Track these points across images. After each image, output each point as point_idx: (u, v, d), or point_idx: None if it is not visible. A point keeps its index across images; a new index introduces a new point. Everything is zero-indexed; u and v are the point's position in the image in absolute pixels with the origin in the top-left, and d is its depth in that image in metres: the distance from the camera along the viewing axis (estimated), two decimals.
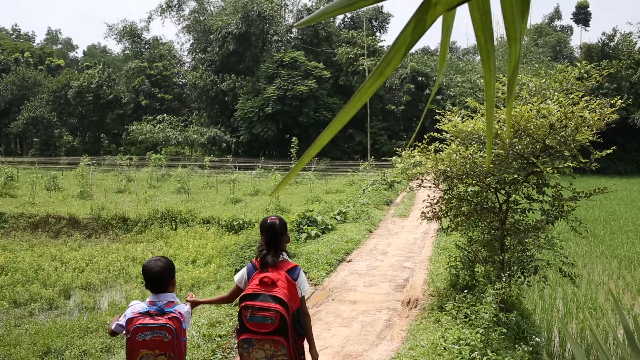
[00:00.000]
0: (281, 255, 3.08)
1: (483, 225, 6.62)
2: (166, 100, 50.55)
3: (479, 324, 5.04)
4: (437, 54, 10.30)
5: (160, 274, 2.94)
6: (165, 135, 43.00)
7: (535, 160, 5.61)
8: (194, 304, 3.31)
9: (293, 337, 2.94)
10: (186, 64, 57.79)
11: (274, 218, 3.18)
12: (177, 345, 2.77)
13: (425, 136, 6.63)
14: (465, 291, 6.03)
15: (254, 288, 2.95)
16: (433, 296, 7.04)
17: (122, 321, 2.87)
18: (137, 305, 2.89)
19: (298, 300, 3.02)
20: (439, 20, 0.61)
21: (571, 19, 65.82)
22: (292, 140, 30.83)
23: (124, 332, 2.83)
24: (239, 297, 3.06)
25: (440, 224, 7.21)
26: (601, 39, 42.55)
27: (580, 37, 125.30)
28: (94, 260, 11.60)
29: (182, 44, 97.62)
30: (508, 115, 0.78)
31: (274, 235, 3.09)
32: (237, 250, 11.10)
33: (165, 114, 46.30)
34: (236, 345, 3.04)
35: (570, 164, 5.74)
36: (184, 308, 2.92)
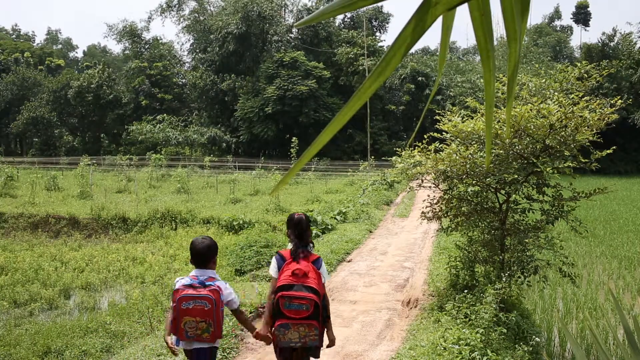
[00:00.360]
0: (308, 247, 3.54)
1: (483, 225, 6.62)
2: (166, 100, 50.54)
3: (479, 324, 5.03)
4: (437, 54, 10.30)
5: (204, 250, 3.34)
6: (165, 135, 42.99)
7: (535, 160, 5.61)
8: (265, 335, 3.51)
9: (322, 320, 3.42)
10: (186, 64, 57.84)
11: (301, 214, 3.68)
12: (216, 314, 3.18)
13: (425, 136, 6.62)
14: (465, 291, 6.02)
15: (287, 279, 3.37)
16: (433, 296, 7.04)
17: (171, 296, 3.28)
18: (183, 280, 3.29)
19: (323, 287, 3.44)
20: (439, 20, 0.61)
21: (571, 19, 65.89)
22: (292, 140, 30.83)
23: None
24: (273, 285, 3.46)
25: (440, 224, 7.21)
26: (601, 39, 42.58)
27: (580, 37, 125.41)
28: (94, 260, 11.60)
29: (182, 44, 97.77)
30: (508, 115, 0.78)
31: (302, 230, 3.56)
32: (237, 250, 11.10)
33: (165, 114, 46.28)
34: (272, 329, 3.45)
35: (570, 164, 5.74)
36: (223, 284, 3.32)
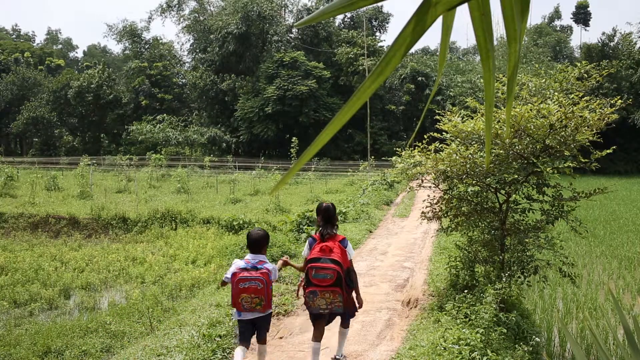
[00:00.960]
0: (333, 230, 4.27)
1: (483, 225, 6.62)
2: (166, 100, 50.53)
3: (479, 324, 5.03)
4: (437, 54, 10.30)
5: (258, 239, 4.18)
6: (165, 135, 42.98)
7: (535, 160, 5.61)
8: (285, 264, 4.52)
9: (345, 288, 4.10)
10: (186, 64, 57.83)
11: (328, 203, 4.42)
12: (267, 291, 4.03)
13: (425, 136, 6.62)
14: (465, 291, 6.02)
15: (316, 254, 4.11)
16: (433, 296, 7.04)
17: (229, 274, 4.11)
18: (238, 262, 4.14)
19: (348, 262, 4.18)
20: (439, 20, 0.61)
21: (571, 18, 65.91)
22: (292, 140, 30.81)
23: (229, 281, 4.10)
24: (305, 261, 4.21)
25: (440, 224, 7.20)
26: (601, 39, 42.57)
27: (580, 37, 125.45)
28: (94, 260, 11.60)
29: (182, 44, 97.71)
30: (508, 115, 0.78)
31: (329, 216, 4.28)
32: (237, 250, 11.10)
33: (165, 114, 46.28)
34: (303, 295, 4.22)
35: (570, 164, 5.73)
36: (270, 266, 4.14)
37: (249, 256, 4.15)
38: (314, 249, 4.16)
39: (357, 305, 4.43)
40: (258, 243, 4.16)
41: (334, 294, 4.04)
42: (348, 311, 4.37)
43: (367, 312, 6.61)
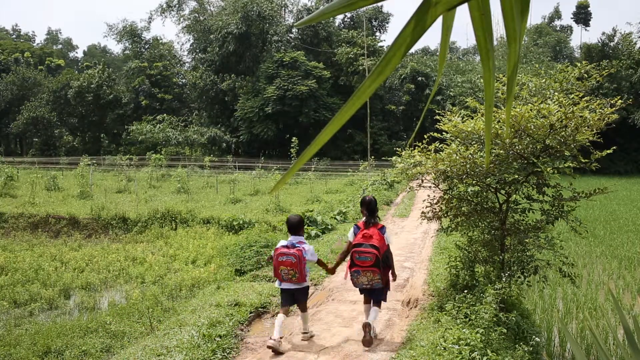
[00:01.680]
0: (375, 219, 5.22)
1: (483, 225, 6.61)
2: (166, 100, 50.53)
3: (479, 324, 5.03)
4: (437, 54, 10.29)
5: (296, 223, 5.27)
6: (165, 135, 42.96)
7: (535, 160, 5.61)
8: (319, 263, 5.42)
9: (383, 268, 5.02)
10: (186, 64, 57.84)
11: (371, 196, 5.43)
12: (300, 265, 4.97)
13: (425, 136, 6.61)
14: (465, 291, 6.01)
15: (359, 240, 5.05)
16: (433, 296, 7.03)
17: (273, 251, 5.18)
18: (282, 242, 5.19)
19: (385, 246, 5.13)
20: (439, 20, 0.61)
21: (571, 18, 65.90)
22: (292, 140, 30.80)
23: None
24: (350, 246, 5.14)
25: (440, 224, 7.20)
26: (601, 39, 42.58)
27: (580, 37, 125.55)
28: (94, 260, 11.60)
29: (182, 44, 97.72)
30: (508, 115, 0.78)
31: (372, 208, 5.26)
32: (237, 250, 11.10)
33: (165, 114, 46.24)
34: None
35: (570, 164, 5.73)
36: (307, 246, 5.13)
37: (290, 237, 5.18)
38: (357, 235, 5.07)
39: (392, 278, 5.30)
40: (296, 226, 5.20)
41: (373, 273, 4.96)
42: (385, 288, 5.25)
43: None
